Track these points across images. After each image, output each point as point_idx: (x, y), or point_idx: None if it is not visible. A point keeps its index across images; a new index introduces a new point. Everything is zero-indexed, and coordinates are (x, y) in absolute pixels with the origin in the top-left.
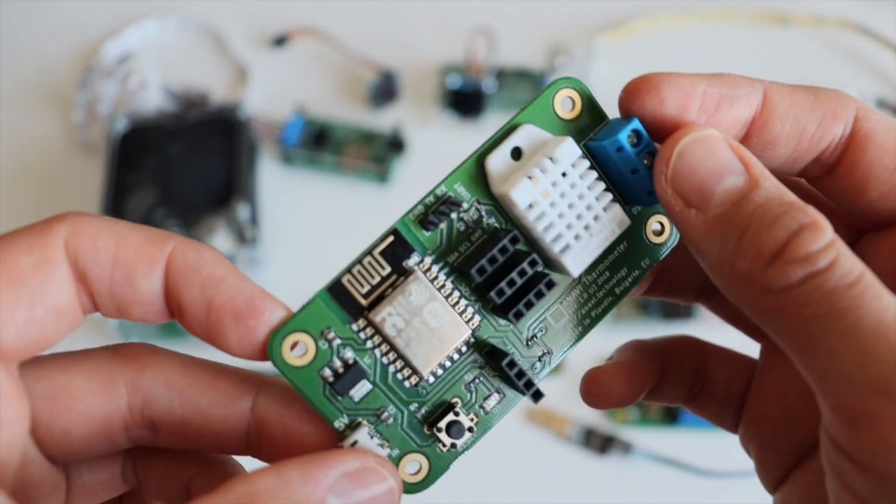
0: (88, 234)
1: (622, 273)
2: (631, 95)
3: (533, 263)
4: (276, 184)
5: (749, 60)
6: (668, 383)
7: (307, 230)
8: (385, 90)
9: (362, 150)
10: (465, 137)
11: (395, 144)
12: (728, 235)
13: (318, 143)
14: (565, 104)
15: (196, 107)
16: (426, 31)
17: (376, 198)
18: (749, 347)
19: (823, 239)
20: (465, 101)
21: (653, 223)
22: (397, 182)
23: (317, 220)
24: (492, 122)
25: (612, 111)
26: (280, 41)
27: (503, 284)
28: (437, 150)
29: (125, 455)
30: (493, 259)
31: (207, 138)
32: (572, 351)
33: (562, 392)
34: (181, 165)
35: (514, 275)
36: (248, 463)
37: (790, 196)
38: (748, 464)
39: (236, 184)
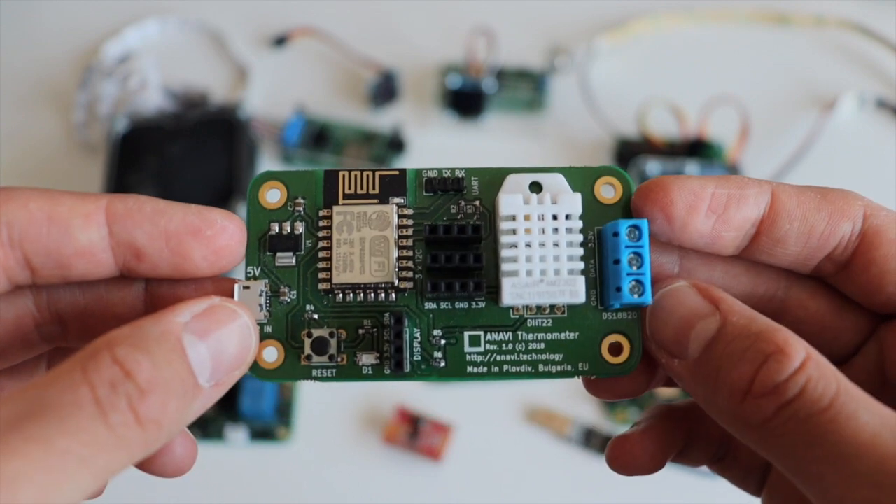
0: (20, 200)
1: (556, 357)
2: (643, 196)
3: (478, 259)
4: None
5: (749, 60)
6: (693, 448)
7: None
8: (385, 90)
9: (362, 149)
10: (466, 137)
11: (395, 144)
12: (707, 378)
13: (318, 143)
14: (605, 190)
15: (196, 107)
16: (426, 31)
17: None
18: None
19: (790, 366)
20: (465, 101)
21: (611, 339)
22: None
23: None
24: (492, 121)
25: (611, 109)
26: (280, 41)
27: (441, 254)
28: (437, 150)
29: None
30: (448, 228)
31: (207, 138)
32: (464, 383)
33: (562, 392)
34: (181, 165)
35: (456, 254)
36: None
37: (758, 325)
38: None
39: (236, 184)
